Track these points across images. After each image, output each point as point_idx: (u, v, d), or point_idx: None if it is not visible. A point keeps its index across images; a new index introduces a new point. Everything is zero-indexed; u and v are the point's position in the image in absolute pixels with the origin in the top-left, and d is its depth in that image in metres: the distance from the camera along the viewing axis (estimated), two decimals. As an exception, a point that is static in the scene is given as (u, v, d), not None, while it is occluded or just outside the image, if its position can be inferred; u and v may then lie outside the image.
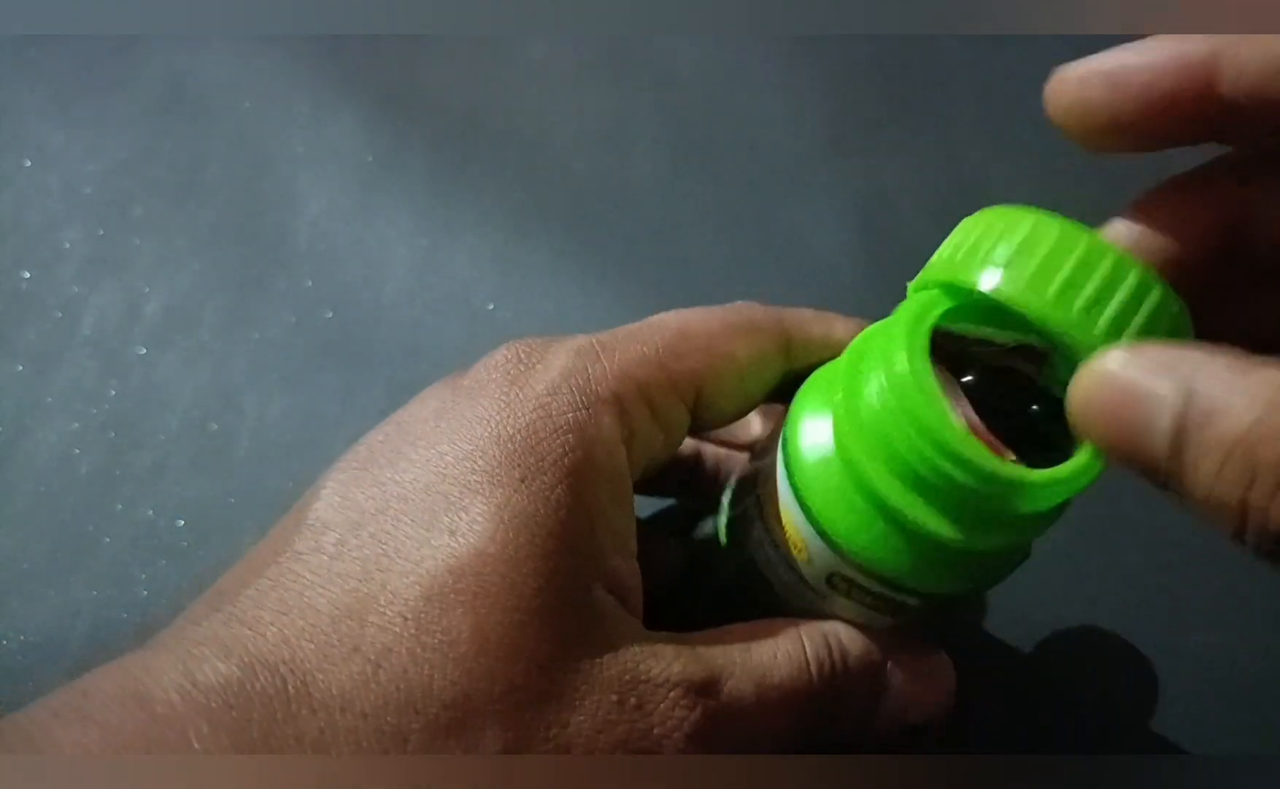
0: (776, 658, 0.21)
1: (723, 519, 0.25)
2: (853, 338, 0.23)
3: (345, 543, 0.19)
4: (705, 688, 0.19)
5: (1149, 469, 0.15)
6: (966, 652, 0.27)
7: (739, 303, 0.24)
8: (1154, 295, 0.16)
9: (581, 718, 0.18)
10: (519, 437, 0.19)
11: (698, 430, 0.23)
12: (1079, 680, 0.27)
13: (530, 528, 0.19)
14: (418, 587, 0.18)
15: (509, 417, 0.20)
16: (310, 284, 0.36)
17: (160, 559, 0.29)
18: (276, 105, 0.42)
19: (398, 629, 0.17)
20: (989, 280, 0.17)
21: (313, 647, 0.17)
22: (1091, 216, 0.18)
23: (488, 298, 0.36)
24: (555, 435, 0.20)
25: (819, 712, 0.21)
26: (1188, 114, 0.16)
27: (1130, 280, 0.16)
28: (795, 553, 0.21)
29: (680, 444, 0.23)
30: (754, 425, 0.28)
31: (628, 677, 0.19)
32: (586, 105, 0.43)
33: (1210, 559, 0.29)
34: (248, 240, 0.37)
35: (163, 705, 0.16)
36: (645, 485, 0.27)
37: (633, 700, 0.19)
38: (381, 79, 0.43)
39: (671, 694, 0.19)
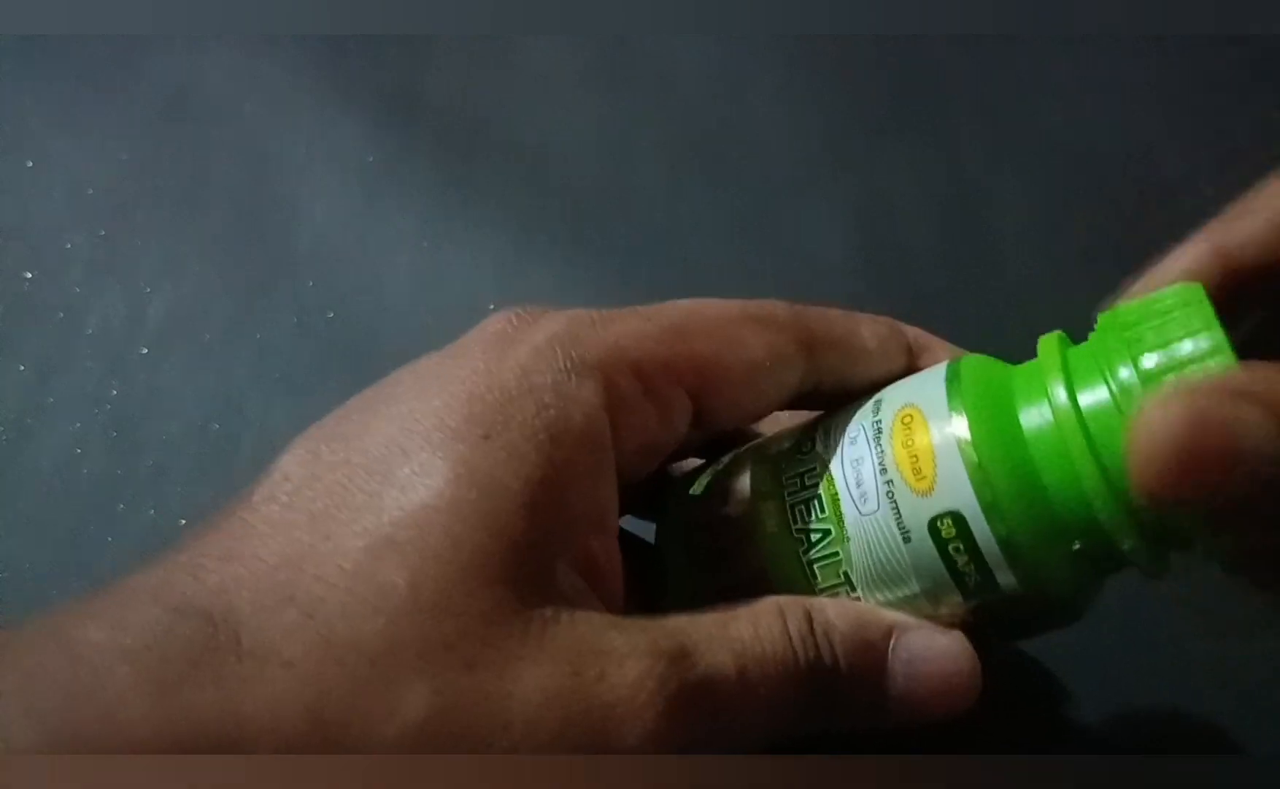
0: (757, 631, 0.19)
1: (701, 480, 0.23)
2: (878, 340, 0.23)
3: (299, 494, 0.18)
4: (678, 658, 0.18)
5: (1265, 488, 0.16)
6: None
7: (761, 299, 0.22)
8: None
9: (526, 688, 0.16)
10: (490, 395, 0.18)
11: (708, 427, 0.22)
12: (1079, 680, 0.27)
13: (485, 485, 0.17)
14: (360, 539, 0.17)
15: (485, 377, 0.19)
16: (312, 287, 0.36)
17: (163, 560, 0.29)
18: (279, 108, 0.42)
19: (333, 580, 0.17)
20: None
21: (249, 594, 0.16)
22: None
23: (490, 301, 0.36)
24: (528, 395, 0.18)
25: (810, 698, 0.19)
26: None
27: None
28: (913, 479, 0.19)
29: (683, 433, 0.21)
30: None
31: (585, 647, 0.17)
32: (588, 109, 0.43)
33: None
34: (250, 243, 0.37)
35: (84, 646, 0.15)
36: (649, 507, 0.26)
37: (592, 672, 0.17)
38: (384, 82, 0.43)
39: (641, 664, 0.17)
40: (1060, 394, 0.19)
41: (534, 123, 0.42)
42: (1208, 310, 0.18)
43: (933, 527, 0.19)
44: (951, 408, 0.20)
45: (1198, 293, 0.18)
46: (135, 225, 0.37)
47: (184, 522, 0.30)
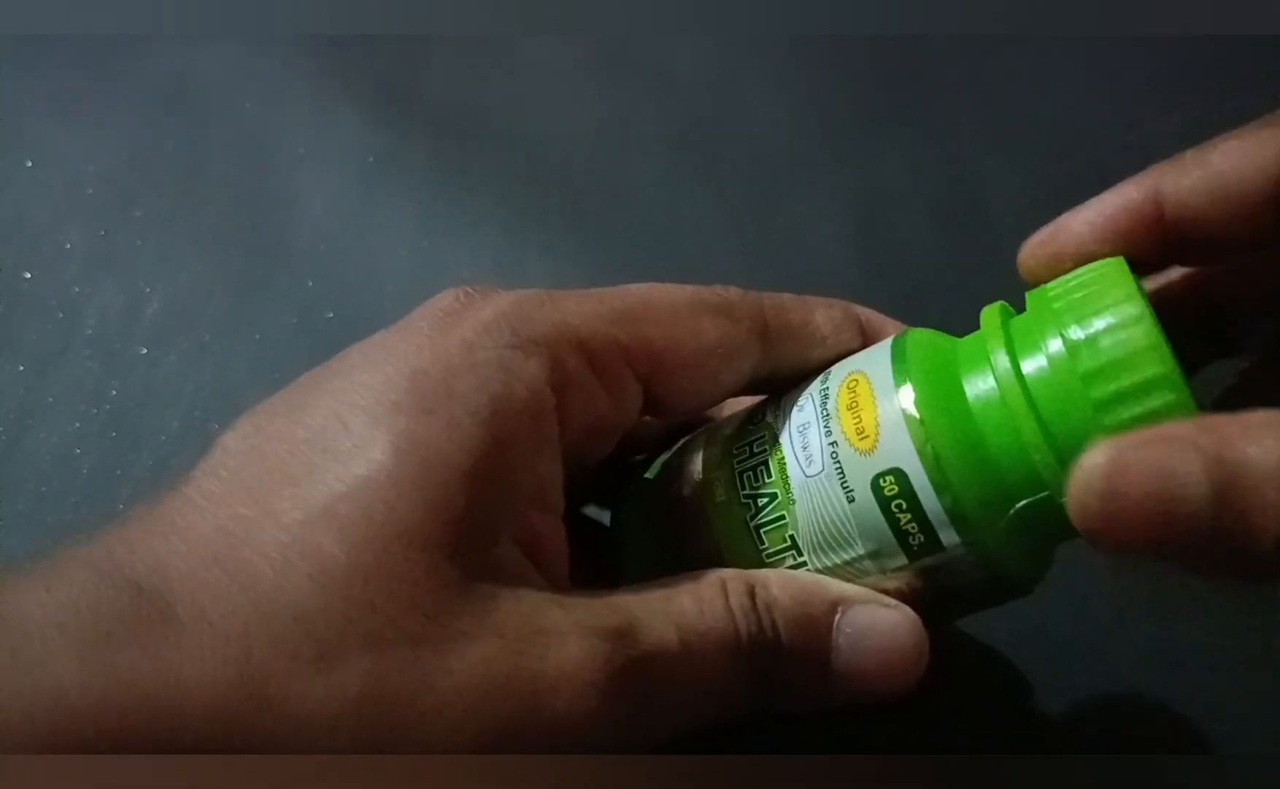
0: (700, 605, 0.19)
1: (658, 463, 0.24)
2: (832, 325, 0.23)
3: (240, 469, 0.18)
4: (621, 635, 0.18)
5: (1191, 539, 0.15)
6: (964, 653, 0.27)
7: (717, 285, 0.22)
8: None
9: (465, 665, 0.16)
10: (434, 369, 0.18)
11: (662, 413, 0.22)
12: (1077, 680, 0.27)
13: (425, 457, 0.17)
14: (297, 511, 0.17)
15: (429, 352, 0.19)
16: (311, 284, 0.36)
17: (161, 559, 0.29)
18: (278, 105, 0.42)
19: (269, 551, 0.17)
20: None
21: (181, 564, 0.16)
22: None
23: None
24: (471, 370, 0.18)
25: (753, 673, 0.19)
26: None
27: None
28: (857, 440, 0.20)
29: (633, 416, 0.21)
30: None
31: (527, 624, 0.17)
32: (586, 105, 0.43)
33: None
34: (249, 240, 0.37)
35: (15, 610, 0.16)
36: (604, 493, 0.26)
37: (534, 649, 0.17)
38: (382, 79, 0.43)
39: (583, 641, 0.17)
40: (1001, 356, 0.19)
41: (532, 117, 0.42)
42: (1130, 283, 0.19)
43: (875, 485, 0.19)
44: (895, 371, 0.20)
45: (1121, 266, 0.19)
46: (134, 223, 0.37)
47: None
